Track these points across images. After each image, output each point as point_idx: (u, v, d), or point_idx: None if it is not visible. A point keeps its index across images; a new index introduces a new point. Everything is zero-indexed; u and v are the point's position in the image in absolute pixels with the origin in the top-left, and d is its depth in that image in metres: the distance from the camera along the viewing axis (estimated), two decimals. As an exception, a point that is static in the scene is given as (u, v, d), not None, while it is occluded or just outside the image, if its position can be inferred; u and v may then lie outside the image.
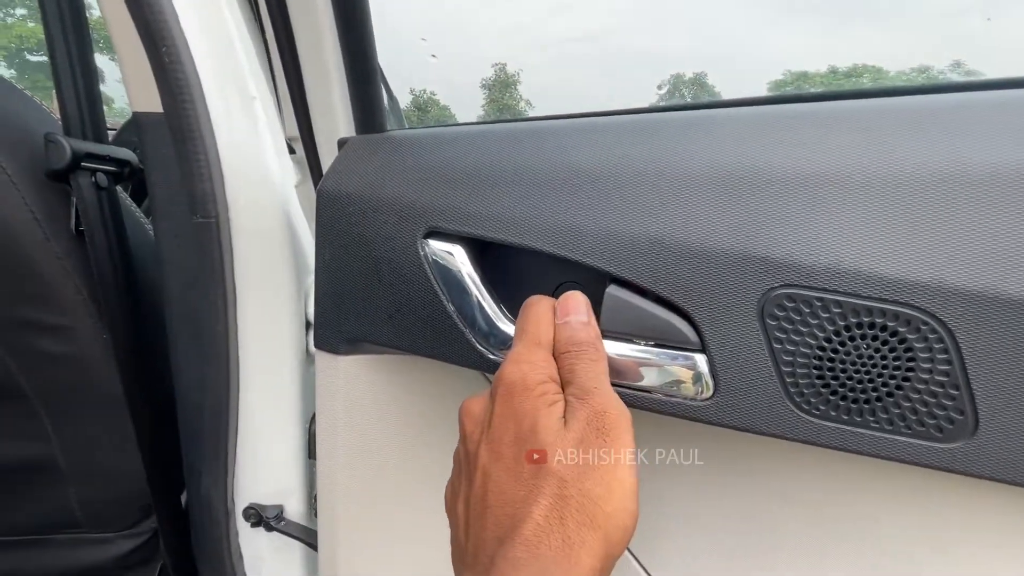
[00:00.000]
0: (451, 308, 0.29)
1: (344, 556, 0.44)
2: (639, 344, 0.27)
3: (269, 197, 0.46)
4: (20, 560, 0.66)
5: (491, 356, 0.29)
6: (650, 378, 0.27)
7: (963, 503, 0.28)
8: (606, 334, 0.27)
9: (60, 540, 0.65)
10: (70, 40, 0.46)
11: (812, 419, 0.25)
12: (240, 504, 0.55)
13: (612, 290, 0.27)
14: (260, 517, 0.55)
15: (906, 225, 0.23)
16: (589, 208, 0.27)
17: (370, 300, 0.31)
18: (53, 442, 0.59)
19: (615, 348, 0.27)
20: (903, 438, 0.24)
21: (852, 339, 0.24)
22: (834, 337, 0.24)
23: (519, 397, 0.22)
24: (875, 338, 0.24)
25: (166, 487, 0.62)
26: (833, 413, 0.25)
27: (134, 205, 0.59)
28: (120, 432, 0.59)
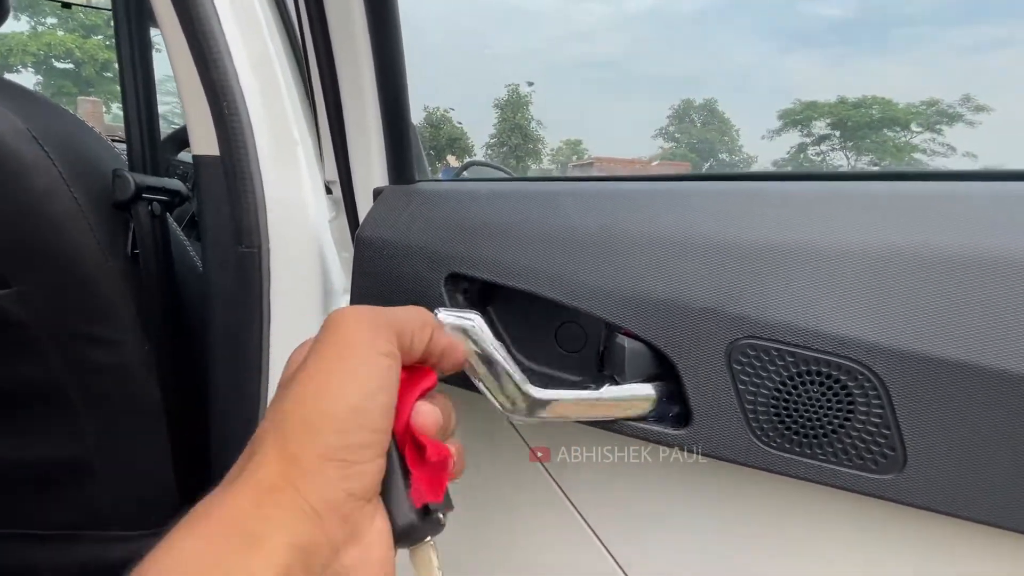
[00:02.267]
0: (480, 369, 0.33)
1: None
2: (630, 382, 0.32)
3: (305, 231, 0.51)
4: (52, 553, 0.71)
5: (508, 414, 0.33)
6: (636, 409, 0.32)
7: (896, 529, 0.32)
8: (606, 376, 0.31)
9: (91, 536, 0.70)
10: (139, 87, 0.53)
11: (770, 450, 0.30)
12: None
13: (620, 339, 0.31)
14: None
15: (849, 293, 0.28)
16: (590, 266, 0.32)
17: None
18: (89, 444, 0.64)
19: (612, 391, 0.32)
20: (846, 468, 0.29)
21: (803, 383, 0.29)
22: (788, 381, 0.29)
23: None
24: (822, 384, 0.29)
25: (194, 490, 0.66)
26: (788, 445, 0.29)
27: (180, 232, 0.65)
28: (153, 438, 0.64)
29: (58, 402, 0.60)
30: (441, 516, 0.24)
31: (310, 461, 0.20)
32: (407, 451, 0.24)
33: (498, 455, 0.42)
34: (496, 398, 0.31)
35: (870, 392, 0.28)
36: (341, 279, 0.53)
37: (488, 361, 0.31)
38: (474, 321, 0.30)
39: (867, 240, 0.29)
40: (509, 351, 0.32)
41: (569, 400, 0.32)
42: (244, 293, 0.51)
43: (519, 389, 0.31)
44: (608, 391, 0.31)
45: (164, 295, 0.59)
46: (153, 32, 0.67)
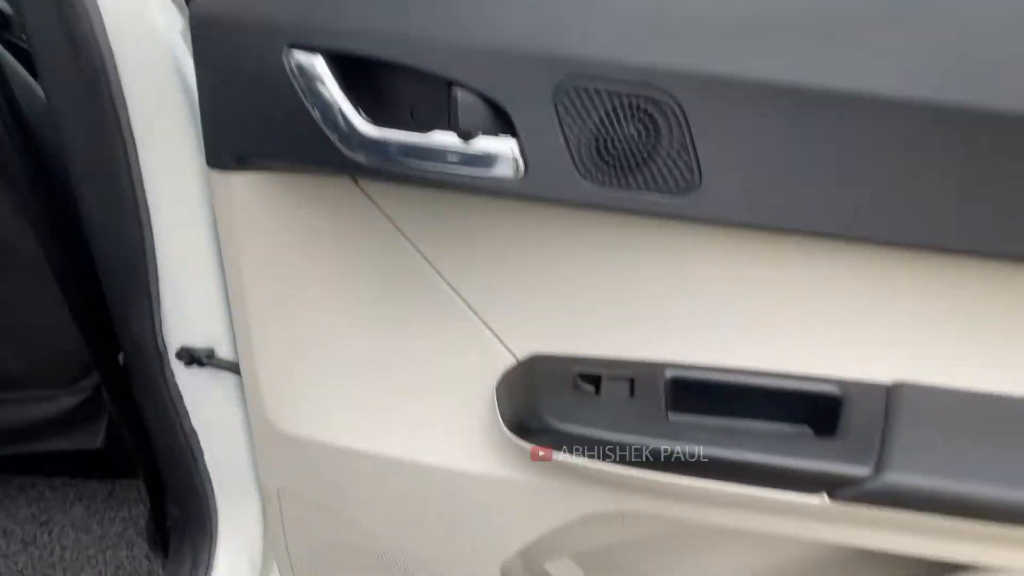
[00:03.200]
0: (316, 115, 0.34)
1: (265, 376, 0.51)
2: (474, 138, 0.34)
3: (151, 36, 0.47)
4: None
5: (350, 156, 0.35)
6: (479, 161, 0.34)
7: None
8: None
9: (4, 399, 0.70)
10: None
11: (595, 186, 0.33)
12: (172, 347, 0.61)
13: (454, 92, 0.33)
14: (192, 356, 0.61)
15: (652, 23, 0.31)
16: (420, 19, 0.32)
17: (247, 115, 0.36)
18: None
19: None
20: (655, 196, 0.33)
21: (619, 119, 0.32)
22: (606, 119, 0.32)
23: None
24: (634, 117, 0.32)
25: (102, 342, 0.67)
26: (608, 180, 0.33)
27: (19, 64, 0.58)
28: (45, 293, 0.63)
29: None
30: None
31: None
32: None
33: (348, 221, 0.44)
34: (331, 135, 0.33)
35: (672, 120, 0.31)
36: None
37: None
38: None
39: None
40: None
41: (402, 142, 0.34)
42: (98, 120, 0.48)
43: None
44: (437, 136, 0.33)
45: (13, 134, 0.54)
46: None
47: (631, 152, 0.32)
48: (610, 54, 0.31)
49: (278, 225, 0.43)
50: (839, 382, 0.39)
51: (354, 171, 0.35)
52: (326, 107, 0.35)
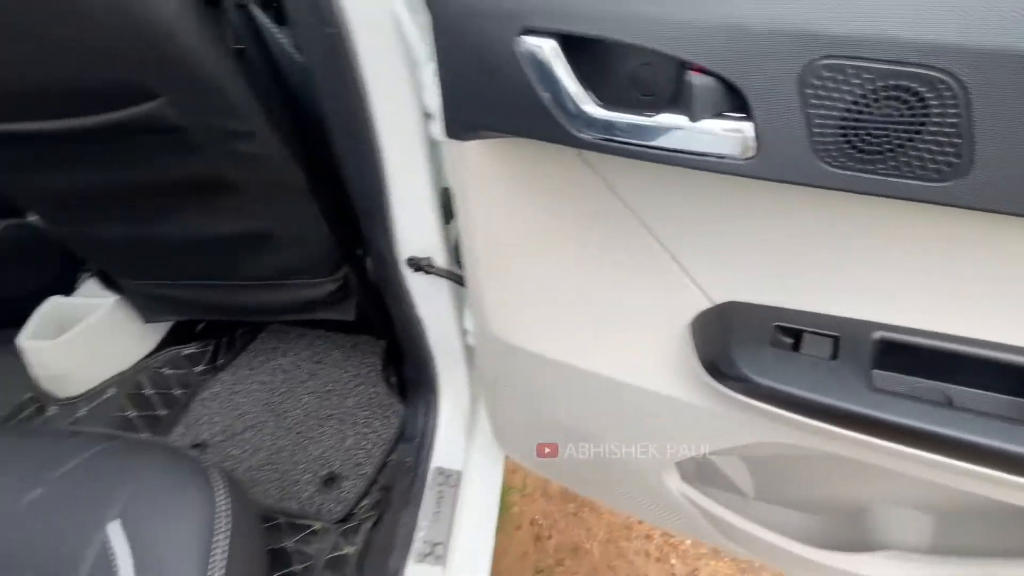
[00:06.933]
0: (546, 96, 0.37)
1: (489, 297, 0.60)
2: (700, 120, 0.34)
3: (381, 11, 0.51)
4: (266, 296, 0.98)
5: (577, 134, 0.37)
6: (707, 142, 0.34)
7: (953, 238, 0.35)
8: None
9: (289, 284, 0.94)
10: None
11: (835, 170, 0.32)
12: (402, 257, 0.75)
13: (688, 76, 0.32)
14: (417, 265, 0.75)
15: None
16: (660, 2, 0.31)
17: (481, 94, 0.40)
18: (266, 220, 0.81)
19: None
20: (909, 181, 0.31)
21: (876, 101, 0.29)
22: (860, 100, 0.29)
23: None
24: (897, 98, 0.29)
25: (350, 246, 0.85)
26: (851, 163, 0.31)
27: (270, 21, 0.67)
28: (309, 211, 0.79)
29: (231, 190, 0.75)
30: None
31: None
32: None
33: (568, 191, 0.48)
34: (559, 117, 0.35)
35: (948, 101, 0.28)
36: (422, 48, 0.54)
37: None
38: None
39: None
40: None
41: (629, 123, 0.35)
42: (341, 76, 0.56)
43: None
44: (665, 117, 0.34)
45: (273, 85, 0.65)
46: None
47: (886, 135, 0.30)
48: (879, 30, 0.27)
49: (503, 177, 0.48)
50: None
51: (580, 146, 0.38)
52: (556, 89, 0.37)
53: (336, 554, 0.83)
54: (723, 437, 0.53)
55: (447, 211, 0.71)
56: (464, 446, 0.94)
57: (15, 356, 1.02)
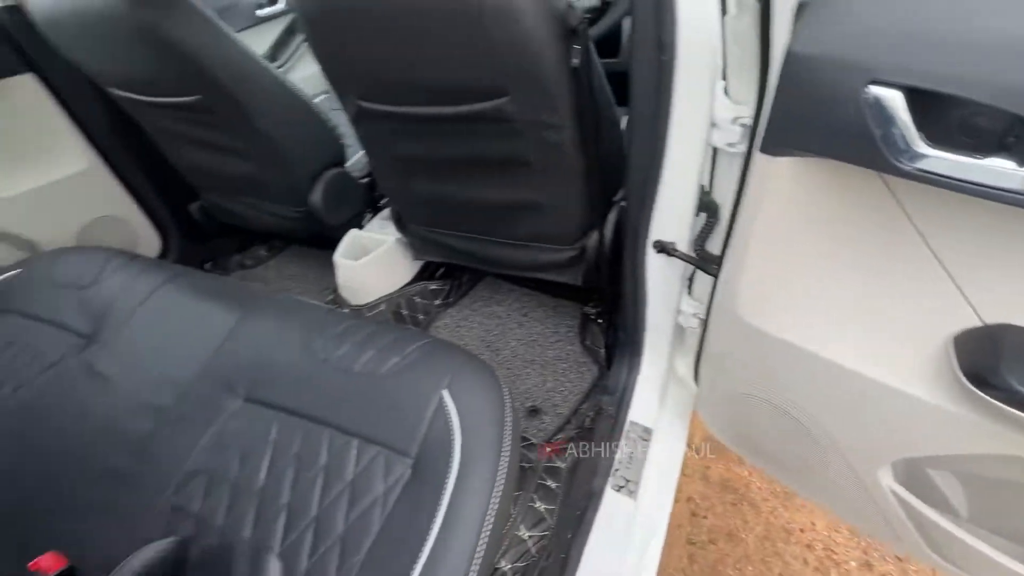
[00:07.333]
0: (877, 133, 0.46)
1: (746, 281, 0.71)
2: None
3: (705, 40, 0.64)
4: (512, 253, 1.20)
5: (901, 166, 0.46)
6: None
7: None
8: None
9: (534, 246, 1.15)
10: None
11: None
12: (651, 237, 0.89)
13: None
14: (663, 247, 0.89)
15: None
16: (1011, 65, 0.39)
17: (811, 123, 0.51)
18: (541, 193, 1.01)
19: None
20: None
21: None
22: None
23: None
24: None
25: (597, 220, 1.02)
26: None
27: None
28: (576, 190, 0.98)
29: (526, 168, 0.96)
30: None
31: None
32: None
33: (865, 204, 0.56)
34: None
35: None
36: (718, 63, 0.66)
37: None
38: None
39: None
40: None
41: (957, 162, 0.43)
42: (656, 83, 0.70)
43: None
44: (993, 161, 0.41)
45: (589, 93, 0.83)
46: None
47: None
48: None
49: (803, 189, 0.59)
50: None
51: (901, 175, 0.47)
52: (890, 127, 0.46)
53: (550, 464, 1.04)
54: (958, 443, 0.58)
55: (699, 207, 0.83)
56: (656, 408, 1.07)
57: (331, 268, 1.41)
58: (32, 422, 0.83)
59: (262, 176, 1.31)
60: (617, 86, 0.98)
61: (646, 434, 1.04)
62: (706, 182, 0.81)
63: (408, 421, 0.73)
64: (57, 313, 0.98)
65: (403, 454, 0.71)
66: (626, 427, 1.05)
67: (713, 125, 0.74)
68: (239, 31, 1.11)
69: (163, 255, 1.64)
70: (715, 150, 0.76)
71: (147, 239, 1.58)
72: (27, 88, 1.25)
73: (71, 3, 1.02)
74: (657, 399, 1.08)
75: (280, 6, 2.07)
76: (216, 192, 1.51)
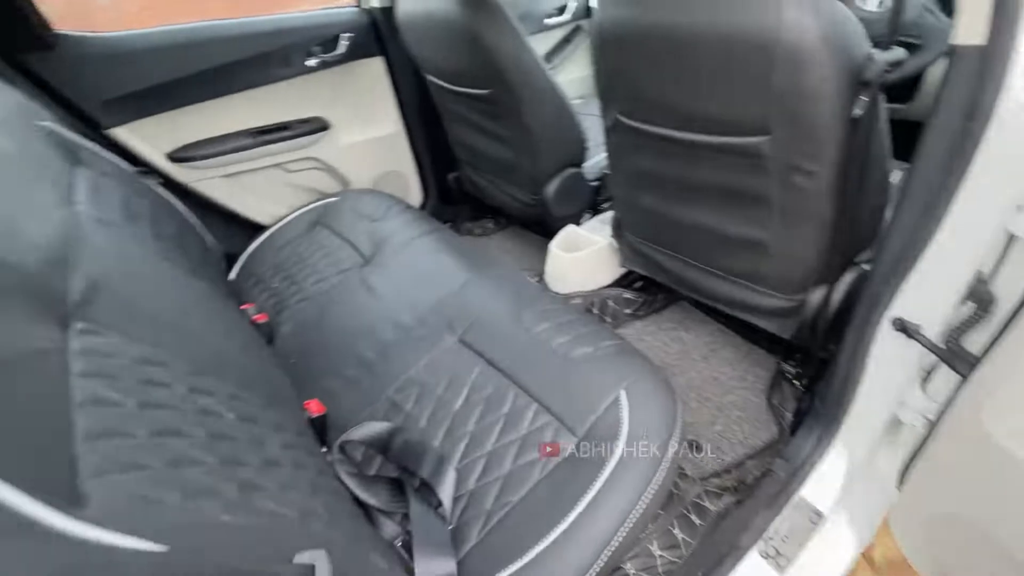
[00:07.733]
0: None
1: (1003, 390, 0.61)
2: None
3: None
4: (721, 286, 1.18)
5: None
6: None
7: None
8: None
9: (747, 286, 1.12)
10: None
11: None
12: (891, 312, 0.80)
13: None
14: (903, 326, 0.79)
15: None
16: None
17: None
18: (771, 233, 0.98)
19: None
20: None
21: None
22: None
23: None
24: None
25: (828, 274, 0.95)
26: None
27: None
28: (814, 238, 0.92)
29: (763, 205, 0.95)
30: None
31: None
32: None
33: None
34: None
35: None
36: None
37: None
38: None
39: None
40: None
41: None
42: (952, 159, 0.64)
43: None
44: None
45: (864, 144, 0.78)
46: None
47: None
48: None
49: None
50: None
51: None
52: None
53: (698, 501, 1.02)
54: None
55: (973, 297, 0.72)
56: (837, 496, 0.96)
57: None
58: (323, 307, 1.14)
59: (514, 162, 1.52)
60: (898, 135, 0.89)
61: (816, 517, 0.95)
62: (987, 268, 0.71)
63: (584, 405, 0.81)
64: (353, 235, 1.30)
65: (571, 431, 0.79)
66: (795, 499, 0.97)
67: (1020, 208, 0.64)
68: (528, 35, 1.30)
69: (421, 209, 2.02)
70: (1011, 236, 0.66)
71: (413, 194, 1.95)
72: (376, 68, 1.66)
73: (425, 8, 1.33)
74: (841, 487, 0.97)
75: (566, 16, 2.31)
76: (471, 167, 1.78)
